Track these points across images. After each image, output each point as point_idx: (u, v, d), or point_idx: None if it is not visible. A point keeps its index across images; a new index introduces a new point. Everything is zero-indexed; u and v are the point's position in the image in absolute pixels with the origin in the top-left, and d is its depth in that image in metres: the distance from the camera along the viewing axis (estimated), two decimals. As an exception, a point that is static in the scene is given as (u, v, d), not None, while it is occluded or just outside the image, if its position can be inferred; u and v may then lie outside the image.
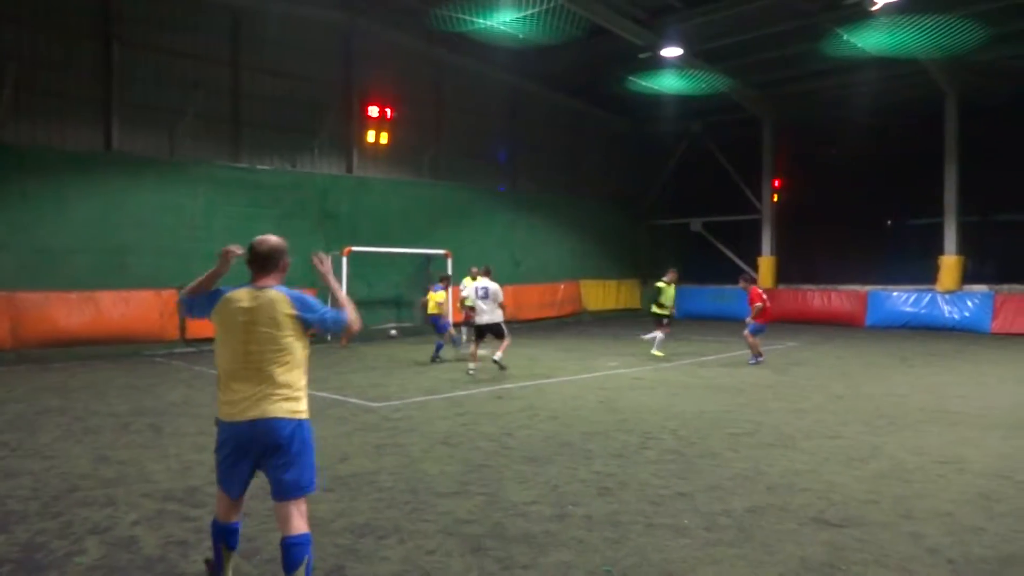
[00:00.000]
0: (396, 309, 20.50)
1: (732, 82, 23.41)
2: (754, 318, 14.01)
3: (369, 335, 18.51)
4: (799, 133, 26.44)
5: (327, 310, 3.86)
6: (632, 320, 25.64)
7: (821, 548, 4.71)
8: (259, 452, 3.67)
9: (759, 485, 6.08)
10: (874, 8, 16.99)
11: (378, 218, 20.34)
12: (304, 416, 3.81)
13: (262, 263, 3.82)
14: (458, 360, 14.51)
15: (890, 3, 16.76)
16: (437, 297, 14.98)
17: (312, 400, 9.75)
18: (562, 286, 25.45)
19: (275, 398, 3.68)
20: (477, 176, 23.71)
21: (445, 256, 20.05)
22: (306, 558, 3.64)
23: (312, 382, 11.65)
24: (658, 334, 15.22)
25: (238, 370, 3.69)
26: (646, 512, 5.39)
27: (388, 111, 20.75)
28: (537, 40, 20.00)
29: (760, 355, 14.07)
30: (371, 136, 20.56)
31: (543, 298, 24.29)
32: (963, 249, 22.16)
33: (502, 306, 12.74)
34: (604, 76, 23.68)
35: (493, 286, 12.69)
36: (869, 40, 19.06)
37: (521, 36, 19.82)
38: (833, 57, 20.24)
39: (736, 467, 6.64)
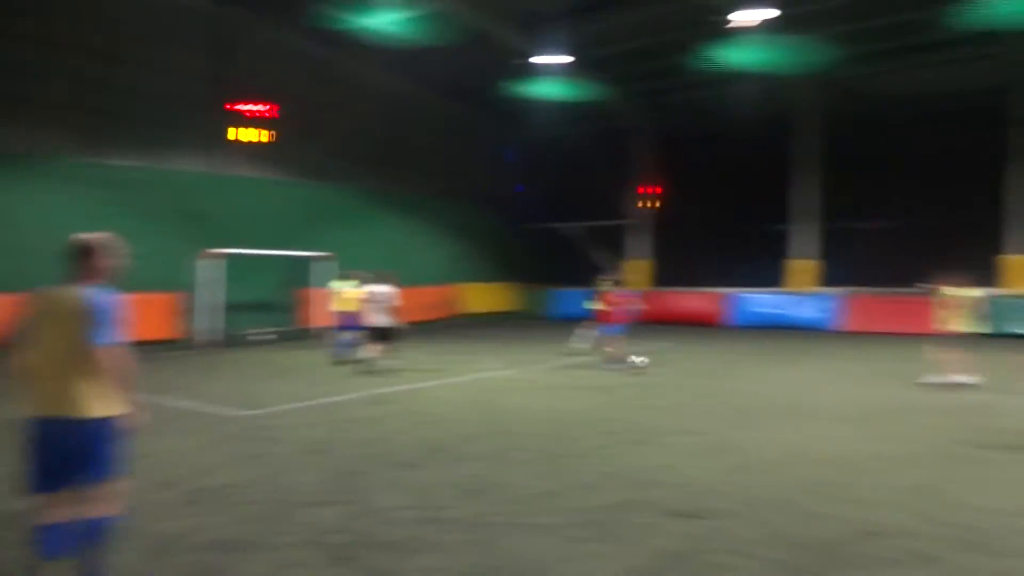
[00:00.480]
0: (267, 313, 19.86)
1: (610, 90, 24.21)
2: (610, 319, 14.13)
3: (237, 340, 17.85)
4: (675, 141, 27.60)
5: (107, 332, 3.79)
6: (511, 323, 25.95)
7: (678, 539, 4.95)
8: (63, 446, 3.75)
9: (622, 481, 6.31)
10: (738, 26, 18.04)
11: (254, 219, 19.66)
12: (108, 413, 3.82)
13: (73, 261, 3.86)
14: (339, 363, 14.29)
15: (755, 23, 17.85)
16: (354, 294, 14.76)
17: (174, 411, 9.30)
18: (442, 288, 25.44)
19: (79, 395, 3.75)
20: (358, 177, 23.38)
21: (328, 258, 19.60)
22: (102, 537, 3.83)
23: (175, 390, 11.17)
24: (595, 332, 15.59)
25: (44, 366, 3.76)
26: (513, 513, 5.48)
27: (265, 108, 20.09)
28: (420, 43, 19.97)
29: (622, 362, 13.76)
30: (247, 134, 19.84)
31: (423, 301, 24.13)
32: (819, 253, 23.85)
33: (392, 311, 13.09)
34: (487, 80, 23.94)
35: (387, 290, 13.17)
36: (739, 56, 20.23)
37: (403, 38, 19.73)
38: (707, 70, 21.32)
39: (602, 465, 6.86)
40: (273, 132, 20.42)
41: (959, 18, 18.01)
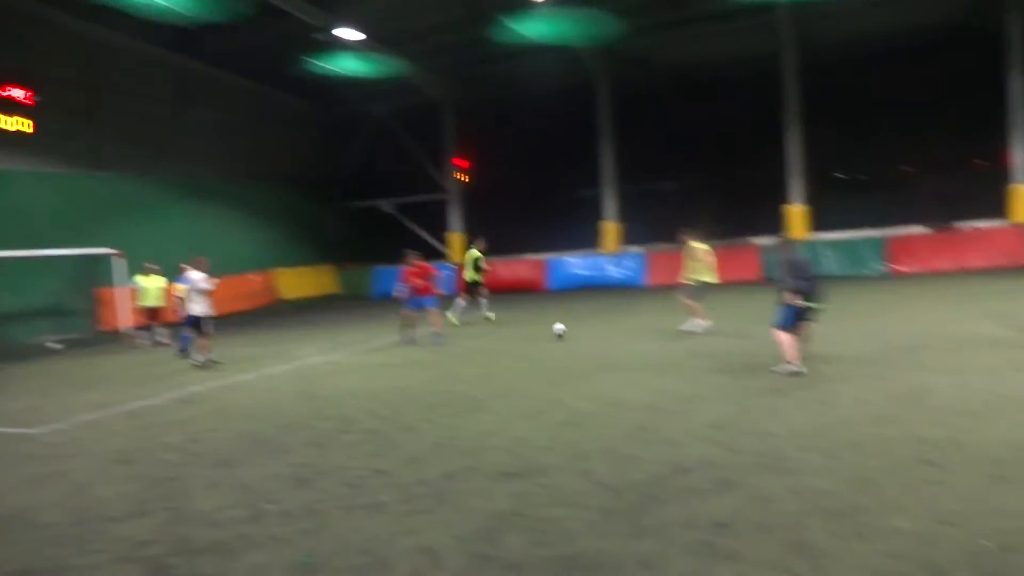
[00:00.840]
0: (57, 319, 18.02)
1: (412, 66, 23.93)
2: (424, 292, 14.02)
3: (22, 353, 16.06)
4: (480, 115, 27.92)
5: None
6: (333, 306, 25.32)
7: (508, 499, 5.08)
8: None
9: (451, 451, 6.38)
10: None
11: (24, 217, 17.63)
12: None
13: None
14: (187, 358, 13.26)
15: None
16: (178, 289, 14.41)
17: (-56, 437, 8.14)
18: (254, 276, 24.28)
19: None
20: (148, 165, 21.61)
21: (118, 255, 18.01)
22: None
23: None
24: (462, 303, 16.62)
25: None
26: (344, 496, 5.38)
27: (27, 93, 17.96)
28: (203, 17, 18.64)
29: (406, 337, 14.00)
30: (9, 122, 17.69)
31: (234, 290, 22.94)
32: (620, 216, 25.20)
33: (204, 298, 12.70)
34: (283, 57, 22.84)
35: (200, 276, 12.74)
36: (532, 28, 20.69)
37: (184, 13, 18.32)
38: (504, 43, 21.60)
39: (431, 437, 6.89)
40: (43, 119, 18.36)
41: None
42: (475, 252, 16.98)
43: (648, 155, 25.78)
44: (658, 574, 3.80)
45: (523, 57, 23.25)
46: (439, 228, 27.64)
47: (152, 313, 16.59)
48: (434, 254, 27.66)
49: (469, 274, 16.80)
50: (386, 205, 28.01)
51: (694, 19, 21.70)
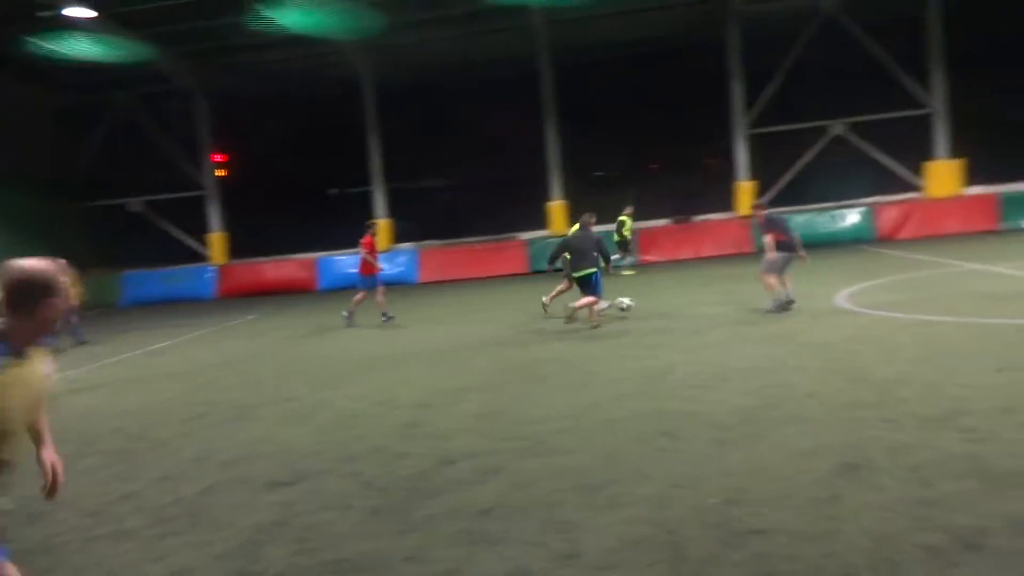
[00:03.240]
0: None
1: (156, 51, 22.05)
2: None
3: None
4: (239, 106, 26.44)
5: None
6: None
7: (273, 509, 4.89)
8: None
9: (212, 464, 6.01)
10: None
11: None
12: None
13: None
14: None
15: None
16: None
17: None
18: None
19: None
20: None
21: None
22: None
23: None
24: (629, 259, 19.44)
25: None
26: (84, 527, 4.87)
27: None
28: None
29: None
30: None
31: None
32: (391, 212, 25.14)
33: None
34: (4, 36, 20.02)
35: None
36: (288, 18, 19.87)
37: None
38: (261, 32, 20.54)
39: (188, 452, 6.45)
40: None
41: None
42: (621, 218, 19.26)
43: (416, 152, 26.00)
44: (423, 567, 3.86)
45: (284, 47, 22.33)
46: (197, 228, 25.78)
47: None
48: (193, 256, 25.83)
49: (616, 236, 18.98)
50: (135, 203, 25.61)
51: (453, 18, 22.02)
